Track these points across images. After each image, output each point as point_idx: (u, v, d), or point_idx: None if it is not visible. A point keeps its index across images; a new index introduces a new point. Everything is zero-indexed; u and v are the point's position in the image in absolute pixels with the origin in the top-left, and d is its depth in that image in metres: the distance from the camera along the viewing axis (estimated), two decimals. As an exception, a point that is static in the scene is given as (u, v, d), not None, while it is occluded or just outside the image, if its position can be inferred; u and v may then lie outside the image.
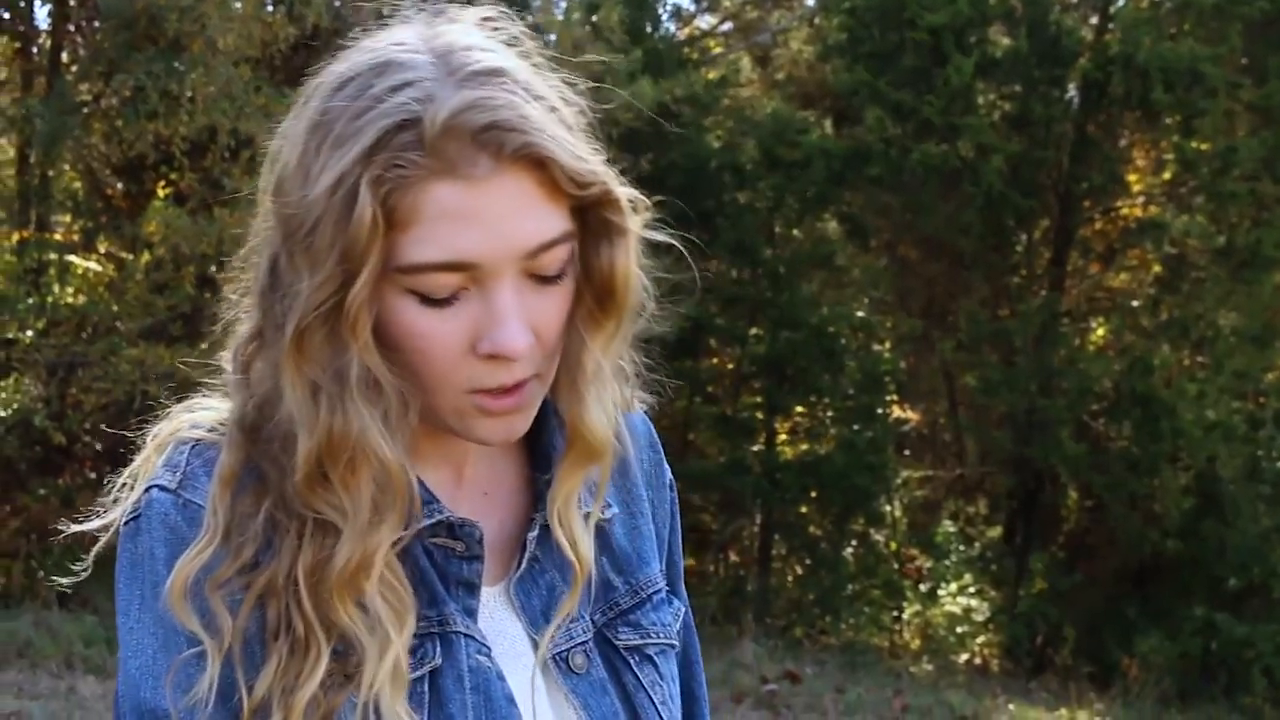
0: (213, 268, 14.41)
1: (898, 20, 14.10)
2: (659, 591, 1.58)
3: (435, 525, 1.44)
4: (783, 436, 15.97)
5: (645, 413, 1.65)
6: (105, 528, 1.49)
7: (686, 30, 18.04)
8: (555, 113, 1.39)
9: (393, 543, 1.40)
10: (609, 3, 13.82)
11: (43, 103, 13.42)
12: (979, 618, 15.40)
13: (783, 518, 15.57)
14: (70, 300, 14.02)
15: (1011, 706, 11.54)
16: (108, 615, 11.69)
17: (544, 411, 1.51)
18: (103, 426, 13.37)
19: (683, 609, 1.63)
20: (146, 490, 1.43)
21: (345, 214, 1.32)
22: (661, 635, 1.56)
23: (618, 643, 1.53)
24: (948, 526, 15.96)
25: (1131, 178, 15.27)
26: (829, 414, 15.70)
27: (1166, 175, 15.23)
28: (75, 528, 1.52)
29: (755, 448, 15.58)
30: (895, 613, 15.63)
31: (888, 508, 15.92)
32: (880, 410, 15.36)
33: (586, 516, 1.52)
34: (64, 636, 10.55)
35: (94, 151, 14.44)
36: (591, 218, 1.41)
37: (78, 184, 15.31)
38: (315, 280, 1.34)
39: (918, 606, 15.75)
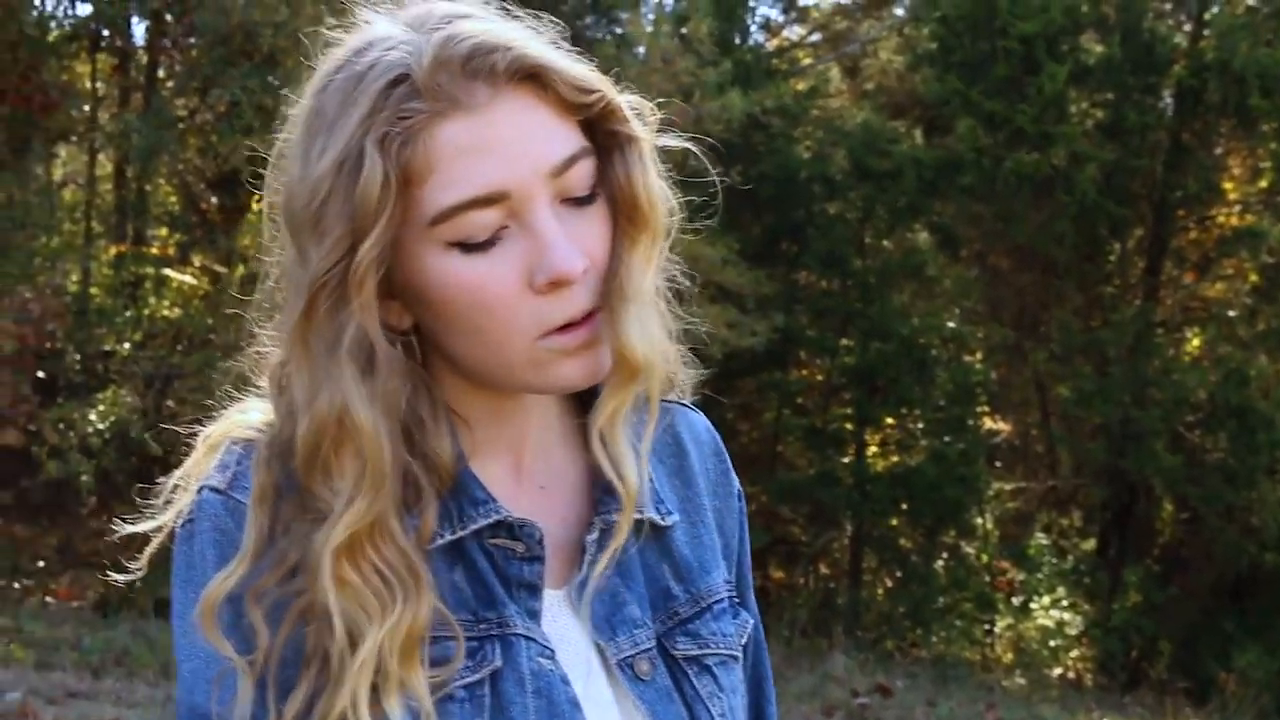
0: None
1: (989, 29, 14.01)
2: (720, 601, 1.54)
3: (494, 525, 1.42)
4: (873, 448, 15.90)
5: (714, 423, 1.63)
6: (159, 529, 1.47)
7: (775, 41, 18.03)
8: (531, 31, 1.39)
9: (421, 534, 1.38)
10: (698, 14, 13.84)
11: (140, 118, 13.61)
12: (1072, 631, 15.25)
13: (873, 530, 15.49)
14: (166, 313, 14.20)
15: (1106, 721, 11.42)
16: (203, 624, 11.82)
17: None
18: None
19: (751, 622, 1.59)
20: (198, 491, 1.42)
21: (353, 179, 1.32)
22: (721, 646, 1.52)
23: (675, 653, 1.49)
24: (1040, 539, 15.81)
25: (1227, 185, 15.08)
26: (920, 425, 15.61)
27: (1263, 183, 15.03)
28: (127, 529, 1.50)
29: (845, 459, 15.51)
30: (987, 626, 15.51)
31: (979, 520, 15.80)
32: (971, 421, 15.25)
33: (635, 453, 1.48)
34: (161, 645, 10.68)
35: (189, 166, 14.64)
36: (600, 133, 1.40)
37: (173, 198, 15.52)
38: (322, 249, 1.33)
39: (1010, 620, 15.62)
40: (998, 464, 16.48)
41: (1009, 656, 15.26)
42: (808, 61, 18.00)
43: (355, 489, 1.35)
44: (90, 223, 14.83)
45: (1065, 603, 15.41)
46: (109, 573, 1.59)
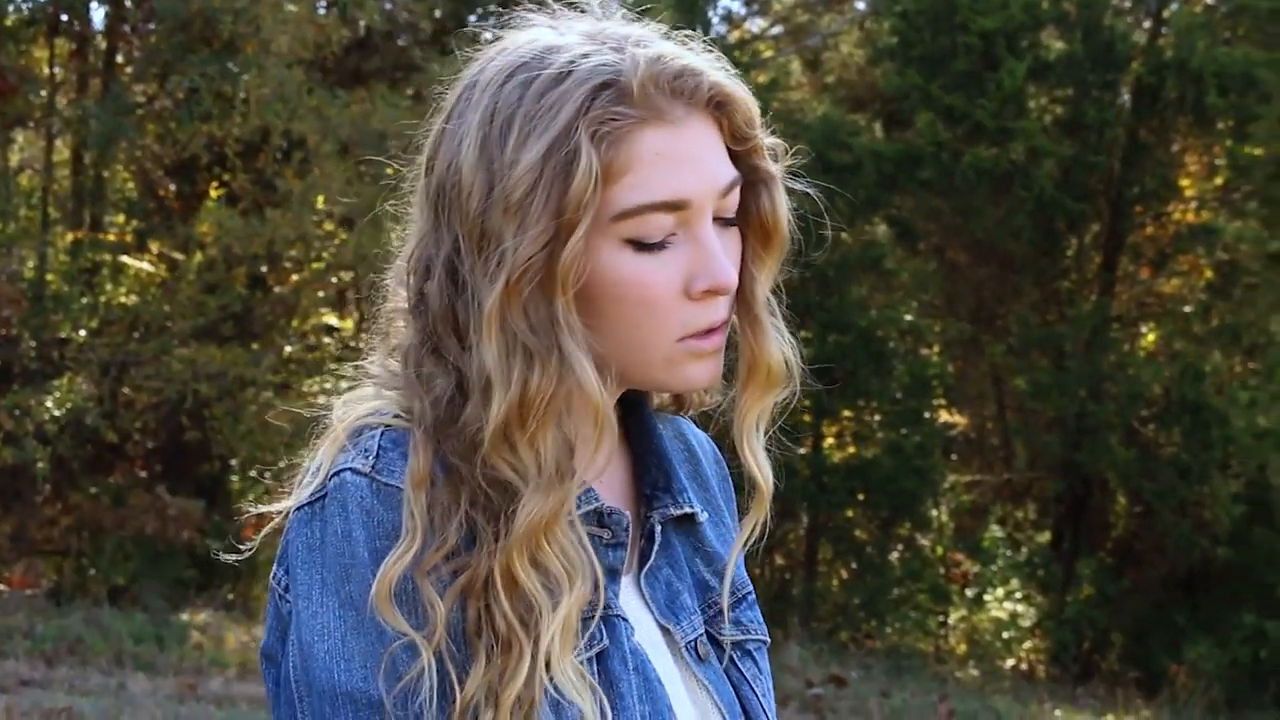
0: (264, 268, 14.53)
1: (949, 24, 14.07)
2: (751, 592, 1.66)
3: (587, 513, 1.49)
4: (830, 440, 15.95)
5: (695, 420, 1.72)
6: (283, 511, 1.52)
7: (737, 34, 18.05)
8: (720, 63, 1.52)
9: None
10: (658, 5, 13.83)
11: (98, 104, 13.55)
12: (1025, 623, 15.34)
13: (829, 521, 15.55)
14: (123, 300, 14.13)
15: (1058, 713, 11.50)
16: (158, 613, 11.79)
17: (647, 414, 1.61)
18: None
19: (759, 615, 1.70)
20: (336, 474, 1.44)
21: (564, 172, 1.41)
22: (758, 632, 1.64)
23: (722, 638, 1.60)
24: (995, 531, 15.90)
25: (1184, 182, 15.18)
26: (876, 417, 15.67)
27: (1219, 180, 15.14)
28: (261, 508, 1.56)
29: (802, 451, 15.56)
30: (941, 618, 15.59)
31: (934, 512, 15.88)
32: (928, 414, 15.32)
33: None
34: (114, 633, 10.65)
35: (147, 152, 14.57)
36: (743, 166, 1.52)
37: (131, 185, 15.43)
38: (527, 236, 1.41)
39: (964, 611, 15.70)
40: (953, 457, 16.56)
41: (963, 648, 15.34)
42: (769, 54, 18.03)
43: (560, 469, 1.43)
44: (47, 209, 14.73)
45: (1019, 595, 15.50)
46: (221, 554, 1.65)
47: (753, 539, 1.61)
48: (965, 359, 16.08)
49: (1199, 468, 13.50)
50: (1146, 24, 15.08)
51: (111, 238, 14.86)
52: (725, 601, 1.60)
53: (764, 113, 1.54)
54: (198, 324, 13.56)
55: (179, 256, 14.47)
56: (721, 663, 1.59)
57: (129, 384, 13.70)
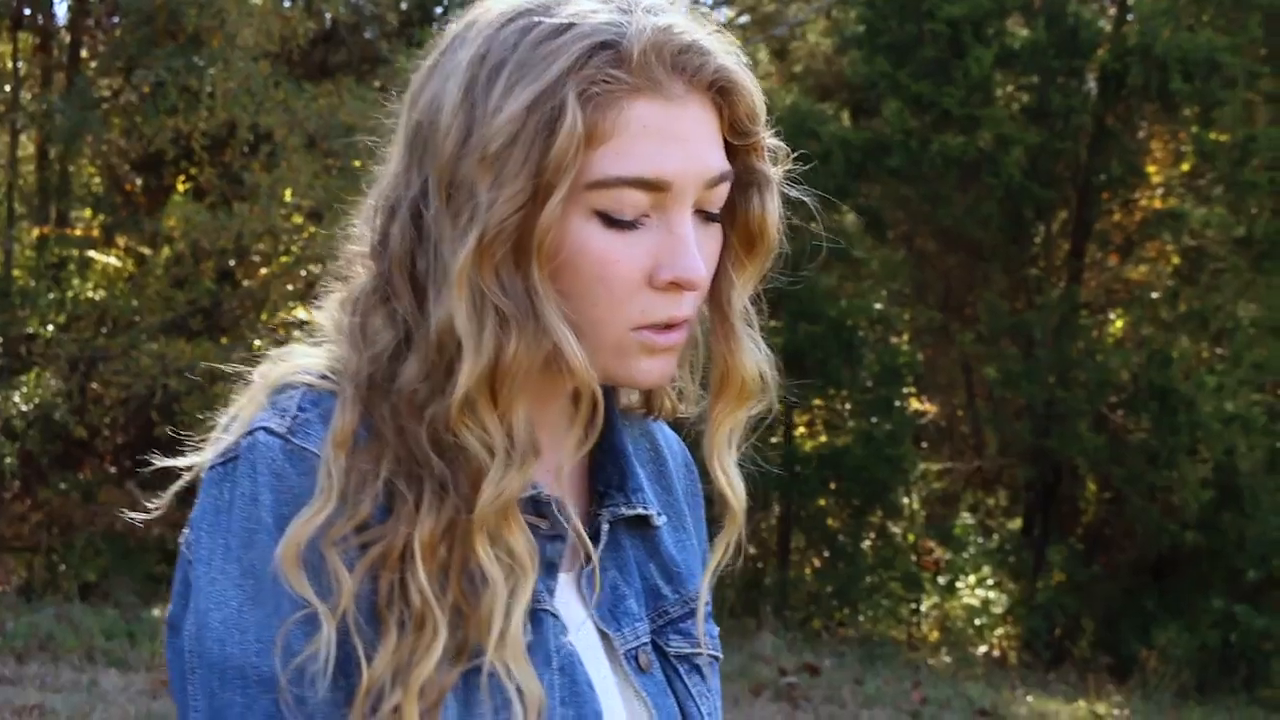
0: (232, 262, 14.48)
1: (916, 12, 14.09)
2: (706, 605, 1.57)
3: (524, 500, 1.40)
4: (801, 429, 15.98)
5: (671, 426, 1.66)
6: (194, 467, 1.44)
7: (704, 23, 18.06)
8: (733, 47, 1.44)
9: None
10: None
11: (62, 98, 13.47)
12: (997, 610, 15.40)
13: (801, 510, 15.57)
14: (90, 295, 14.07)
15: (1030, 698, 11.55)
16: (129, 609, 11.74)
17: (610, 407, 1.51)
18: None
19: (716, 630, 1.62)
20: (250, 433, 1.37)
21: (547, 129, 1.32)
22: (710, 648, 1.55)
23: (669, 650, 1.51)
24: (966, 519, 15.95)
25: (1150, 169, 15.24)
26: (847, 406, 15.69)
27: (1185, 166, 15.20)
28: (165, 462, 1.47)
29: (773, 440, 15.58)
30: (913, 605, 15.63)
31: (906, 500, 15.92)
32: (898, 402, 15.34)
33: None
34: (85, 629, 10.61)
35: (113, 147, 14.50)
36: (738, 165, 1.44)
37: (97, 180, 15.36)
38: (502, 194, 1.32)
39: (936, 599, 15.75)
40: (924, 445, 16.60)
41: (935, 635, 15.39)
42: (736, 43, 18.03)
43: (533, 445, 1.35)
44: (12, 204, 14.64)
45: (990, 581, 15.56)
46: (124, 511, 1.55)
47: (724, 561, 1.51)
48: (935, 347, 16.13)
49: (1167, 453, 13.56)
50: (1111, 10, 15.14)
51: (78, 233, 14.80)
52: (677, 612, 1.52)
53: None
54: (166, 318, 13.50)
55: (146, 251, 14.41)
56: (677, 677, 1.51)
57: (97, 379, 13.64)
